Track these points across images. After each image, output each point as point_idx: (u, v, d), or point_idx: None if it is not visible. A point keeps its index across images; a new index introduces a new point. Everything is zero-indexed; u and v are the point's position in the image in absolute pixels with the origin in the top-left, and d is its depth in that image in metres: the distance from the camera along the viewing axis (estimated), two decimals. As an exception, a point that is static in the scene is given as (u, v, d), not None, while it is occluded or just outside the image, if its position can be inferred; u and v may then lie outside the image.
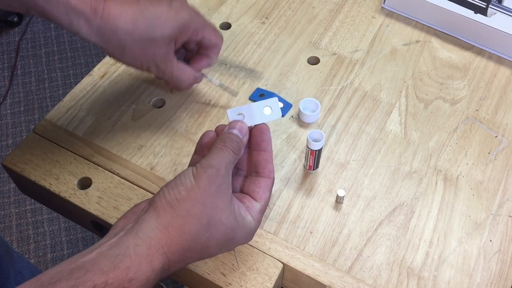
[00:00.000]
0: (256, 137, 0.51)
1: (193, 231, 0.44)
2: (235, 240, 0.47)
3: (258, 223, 0.49)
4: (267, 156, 0.51)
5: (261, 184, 0.50)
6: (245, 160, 0.52)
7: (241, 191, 0.51)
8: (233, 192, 0.50)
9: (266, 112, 0.51)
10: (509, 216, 0.59)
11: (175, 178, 0.46)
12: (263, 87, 0.69)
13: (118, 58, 0.56)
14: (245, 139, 0.50)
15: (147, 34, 0.54)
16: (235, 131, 0.49)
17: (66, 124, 0.66)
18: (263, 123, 0.51)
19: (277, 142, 0.64)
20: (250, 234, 0.49)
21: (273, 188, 0.60)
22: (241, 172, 0.53)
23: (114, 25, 0.52)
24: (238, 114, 0.51)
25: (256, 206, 0.49)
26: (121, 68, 0.71)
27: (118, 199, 0.59)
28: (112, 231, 0.45)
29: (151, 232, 0.43)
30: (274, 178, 0.52)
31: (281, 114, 0.52)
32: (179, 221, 0.44)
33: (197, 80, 0.63)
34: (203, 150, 0.51)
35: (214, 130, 0.52)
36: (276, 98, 0.52)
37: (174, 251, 0.43)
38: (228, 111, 0.51)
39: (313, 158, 0.60)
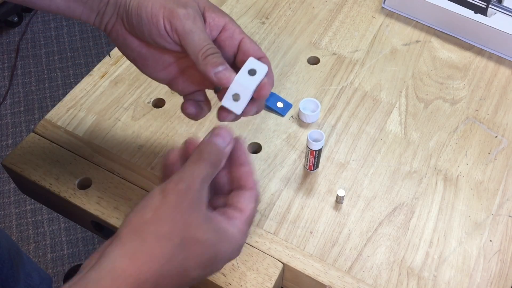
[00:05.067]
0: (232, 152, 0.45)
1: (165, 253, 0.39)
2: (220, 257, 0.42)
3: (245, 235, 0.44)
4: (248, 168, 0.46)
5: (245, 195, 0.45)
6: (226, 179, 0.47)
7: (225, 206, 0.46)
8: (216, 208, 0.45)
9: (252, 74, 0.47)
10: (509, 216, 0.59)
11: (141, 201, 0.41)
12: (263, 87, 0.69)
13: (136, 26, 0.48)
14: (229, 148, 0.45)
15: None
16: (217, 140, 0.44)
17: (66, 124, 0.66)
18: (236, 137, 0.46)
19: (277, 142, 0.64)
20: (236, 248, 0.43)
21: (273, 188, 0.60)
22: (223, 191, 0.47)
23: None
24: (234, 100, 0.47)
25: (241, 216, 0.44)
26: (121, 68, 0.71)
27: (118, 199, 0.59)
28: (76, 275, 0.39)
29: (115, 261, 0.38)
30: (259, 192, 0.47)
31: (266, 68, 0.47)
32: (148, 246, 0.38)
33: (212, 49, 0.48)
34: (169, 172, 0.44)
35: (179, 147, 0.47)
36: (251, 58, 0.47)
37: (144, 279, 0.38)
38: (223, 101, 0.47)
39: (313, 158, 0.60)
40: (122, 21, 0.50)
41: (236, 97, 0.47)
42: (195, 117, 0.53)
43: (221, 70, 0.47)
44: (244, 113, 0.48)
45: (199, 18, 0.48)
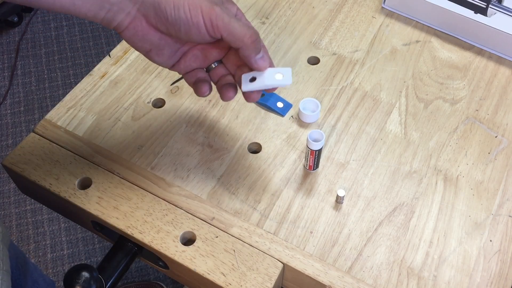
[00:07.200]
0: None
1: None
2: None
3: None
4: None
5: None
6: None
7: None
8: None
9: (277, 77, 0.53)
10: (509, 216, 0.59)
11: None
12: (263, 87, 0.69)
13: (172, 25, 0.52)
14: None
15: None
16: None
17: (66, 124, 0.66)
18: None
19: (277, 142, 0.64)
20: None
21: (273, 188, 0.61)
22: None
23: None
24: (250, 80, 0.53)
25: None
26: (121, 68, 0.71)
27: (118, 199, 0.59)
28: None
29: None
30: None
31: (291, 81, 0.53)
32: None
33: (256, 34, 0.53)
34: None
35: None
36: (289, 68, 0.53)
37: None
38: (243, 75, 0.53)
39: (313, 158, 0.60)
40: (145, 17, 0.51)
41: (252, 80, 0.52)
42: (207, 94, 0.57)
43: (260, 58, 0.53)
44: (246, 94, 0.54)
45: (230, 10, 0.53)
